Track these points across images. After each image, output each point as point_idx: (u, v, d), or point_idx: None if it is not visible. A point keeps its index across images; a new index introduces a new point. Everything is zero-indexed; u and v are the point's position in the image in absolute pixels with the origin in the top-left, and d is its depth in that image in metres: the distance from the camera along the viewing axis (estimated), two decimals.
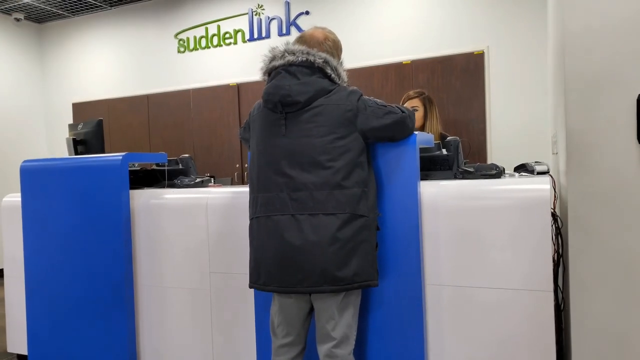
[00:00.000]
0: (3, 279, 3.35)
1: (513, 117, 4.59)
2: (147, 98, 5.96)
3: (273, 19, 5.65)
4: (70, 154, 3.37)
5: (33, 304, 3.02)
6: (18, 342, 3.25)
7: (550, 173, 2.36)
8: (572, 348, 2.01)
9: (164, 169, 3.14)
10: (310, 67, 1.86)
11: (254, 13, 5.75)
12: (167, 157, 3.11)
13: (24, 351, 3.20)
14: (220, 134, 5.53)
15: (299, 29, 5.48)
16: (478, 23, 4.73)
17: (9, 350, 3.32)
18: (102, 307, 2.78)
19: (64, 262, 2.89)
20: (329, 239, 1.77)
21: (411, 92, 3.44)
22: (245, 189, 2.54)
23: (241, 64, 5.83)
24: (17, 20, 6.60)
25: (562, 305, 2.35)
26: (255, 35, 5.76)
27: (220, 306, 2.60)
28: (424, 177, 2.22)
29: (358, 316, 1.96)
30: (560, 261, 2.26)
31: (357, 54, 4.97)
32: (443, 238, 2.10)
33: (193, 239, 2.65)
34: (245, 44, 5.83)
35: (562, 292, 2.35)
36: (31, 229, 3.01)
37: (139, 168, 3.19)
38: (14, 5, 6.33)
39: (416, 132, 2.06)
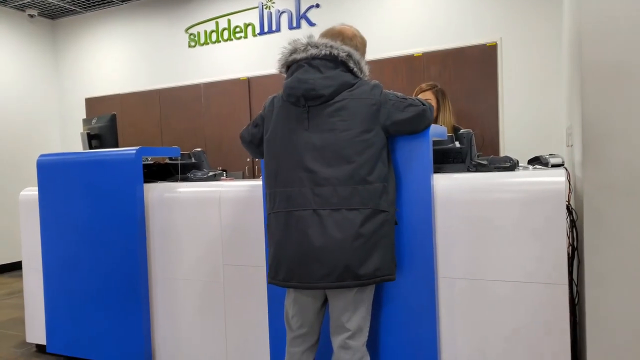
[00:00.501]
0: (22, 271, 3.40)
1: (526, 109, 4.55)
2: (159, 93, 5.99)
3: (283, 12, 5.64)
4: (84, 149, 3.41)
5: (51, 296, 3.07)
6: (36, 333, 3.31)
7: (565, 166, 2.34)
8: (587, 342, 2.00)
9: (177, 163, 3.16)
10: (334, 61, 1.85)
11: (264, 7, 5.74)
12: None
13: (42, 341, 3.26)
14: (231, 128, 5.54)
15: (309, 22, 5.47)
16: (491, 14, 4.68)
17: (28, 340, 3.38)
18: (117, 299, 2.82)
19: (81, 254, 2.93)
20: (353, 235, 1.76)
21: (423, 85, 3.43)
22: (258, 182, 2.55)
23: (252, 58, 5.83)
24: (31, 16, 6.65)
25: (576, 299, 2.34)
26: (266, 29, 5.75)
27: (234, 298, 2.62)
28: (437, 170, 2.21)
29: (371, 308, 1.97)
30: (575, 254, 2.24)
31: (369, 47, 4.92)
32: (456, 231, 2.09)
33: (206, 231, 2.67)
34: (255, 37, 5.83)
35: (576, 286, 2.33)
36: (48, 222, 3.06)
37: (152, 162, 3.21)
38: (28, 2, 6.38)
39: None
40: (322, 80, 1.82)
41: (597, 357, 1.98)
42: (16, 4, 6.42)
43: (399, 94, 1.92)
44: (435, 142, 2.22)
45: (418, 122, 1.94)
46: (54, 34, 7.17)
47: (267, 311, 2.41)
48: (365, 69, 1.92)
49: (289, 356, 1.98)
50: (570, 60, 2.77)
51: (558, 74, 4.40)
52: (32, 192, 3.31)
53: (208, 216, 2.66)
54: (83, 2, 6.46)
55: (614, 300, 1.94)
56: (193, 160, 3.26)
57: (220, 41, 6.02)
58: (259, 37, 5.82)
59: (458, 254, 2.09)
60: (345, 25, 2.08)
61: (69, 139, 7.06)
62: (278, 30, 5.68)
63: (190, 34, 6.18)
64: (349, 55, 1.86)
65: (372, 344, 2.12)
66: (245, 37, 5.88)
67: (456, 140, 2.34)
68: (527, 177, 2.05)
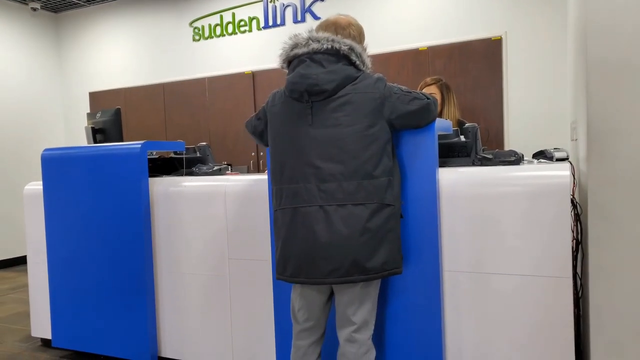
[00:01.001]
0: (27, 265, 3.41)
1: (531, 103, 4.54)
2: (163, 87, 5.99)
3: (288, 6, 5.62)
4: (89, 143, 3.42)
5: (56, 290, 3.09)
6: (42, 327, 3.32)
7: (570, 160, 2.34)
8: (591, 336, 2.01)
9: (182, 157, 3.16)
10: (336, 55, 1.83)
11: (269, 0, 5.73)
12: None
13: (47, 335, 3.28)
14: (235, 122, 5.54)
15: (314, 15, 5.45)
16: (496, 8, 4.66)
17: (33, 334, 3.40)
18: (123, 293, 2.84)
19: (86, 248, 2.94)
20: (359, 230, 1.76)
21: (428, 79, 3.42)
22: (263, 176, 2.56)
23: (256, 52, 5.82)
24: (34, 10, 6.65)
25: (580, 293, 2.34)
26: (270, 23, 5.74)
27: (239, 292, 2.63)
28: (442, 164, 2.21)
29: (377, 302, 1.97)
30: (579, 248, 2.24)
31: (373, 41, 4.90)
32: (461, 225, 2.10)
33: (212, 225, 2.68)
34: (260, 31, 5.82)
35: (580, 279, 2.34)
36: (53, 216, 3.07)
37: (157, 156, 3.22)
38: None
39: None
40: (325, 74, 1.81)
41: (601, 350, 1.99)
42: None
43: (404, 87, 1.91)
44: (440, 136, 2.22)
45: (423, 116, 1.94)
46: (57, 28, 7.17)
47: (272, 305, 2.42)
48: (368, 61, 1.90)
49: (295, 349, 1.99)
50: (576, 54, 2.76)
51: (563, 68, 4.39)
52: (36, 186, 3.32)
53: (213, 210, 2.67)
54: None
55: (617, 293, 1.94)
56: (198, 155, 3.26)
57: (224, 35, 6.01)
58: (263, 31, 5.81)
59: (463, 247, 2.10)
60: (341, 15, 2.05)
61: (73, 133, 7.07)
62: (283, 24, 5.67)
63: (195, 28, 6.17)
64: (351, 49, 1.84)
65: (378, 337, 2.13)
66: (250, 30, 5.87)
67: (461, 134, 2.33)
68: (532, 171, 2.05)
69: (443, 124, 2.22)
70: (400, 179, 1.95)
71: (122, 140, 3.28)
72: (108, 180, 2.85)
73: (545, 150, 2.52)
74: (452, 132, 2.33)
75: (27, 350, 3.33)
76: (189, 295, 2.79)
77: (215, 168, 2.97)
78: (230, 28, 5.97)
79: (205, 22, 6.10)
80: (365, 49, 1.94)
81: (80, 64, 7.03)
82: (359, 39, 2.02)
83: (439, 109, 3.28)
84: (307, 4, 5.51)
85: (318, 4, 5.45)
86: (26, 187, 3.39)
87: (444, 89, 3.33)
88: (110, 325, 2.90)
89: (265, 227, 2.49)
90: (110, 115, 3.36)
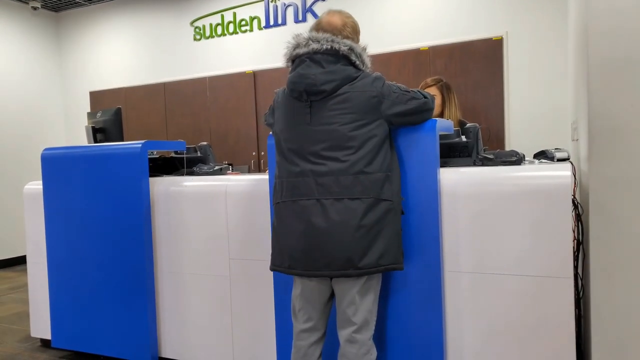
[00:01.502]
0: (26, 265, 3.41)
1: (532, 103, 4.53)
2: (164, 86, 5.99)
3: (289, 5, 5.62)
4: (89, 142, 3.41)
5: (55, 290, 3.08)
6: (41, 327, 3.32)
7: (571, 160, 2.33)
8: (592, 336, 2.00)
9: (183, 157, 3.16)
10: (335, 55, 1.85)
11: (270, 0, 5.72)
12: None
13: (47, 336, 3.27)
14: (236, 122, 5.54)
15: (315, 15, 5.45)
16: (497, 9, 4.66)
17: (33, 334, 3.39)
18: (123, 293, 2.83)
19: (86, 248, 2.94)
20: (354, 225, 1.78)
21: (429, 80, 3.41)
22: (264, 176, 2.55)
23: (257, 52, 5.82)
24: (34, 9, 6.64)
25: (581, 293, 2.34)
26: (272, 22, 5.74)
27: (240, 292, 2.63)
28: (444, 164, 2.21)
29: (378, 302, 1.97)
30: (580, 248, 2.24)
31: (375, 41, 4.92)
32: (463, 225, 2.09)
33: (213, 225, 2.67)
34: (261, 31, 5.82)
35: (581, 280, 2.33)
36: (53, 216, 3.06)
37: (157, 156, 3.22)
38: None
39: (436, 119, 2.05)
40: (323, 75, 1.84)
41: (602, 350, 1.98)
42: None
43: (402, 86, 1.94)
44: (441, 136, 2.22)
45: (420, 114, 1.97)
46: (58, 27, 7.17)
47: (273, 305, 2.42)
48: (367, 61, 1.92)
49: (295, 349, 1.99)
50: (577, 54, 2.75)
51: (564, 68, 4.38)
52: (36, 186, 3.31)
53: (214, 210, 2.66)
54: None
55: (618, 294, 1.94)
56: (199, 154, 3.26)
57: (225, 34, 6.01)
58: (264, 31, 5.80)
59: (464, 247, 2.10)
60: (334, 14, 2.01)
61: (74, 133, 7.07)
62: (284, 23, 5.66)
63: (196, 27, 6.17)
64: (351, 49, 1.86)
65: (379, 337, 2.12)
66: (251, 30, 5.87)
67: (462, 135, 2.33)
68: (533, 172, 2.05)
69: (444, 124, 2.22)
70: (399, 175, 1.95)
71: (122, 140, 3.28)
72: (108, 180, 2.84)
73: (547, 150, 2.52)
74: (453, 132, 2.33)
75: (27, 351, 3.33)
76: (189, 295, 2.78)
77: (216, 168, 2.97)
78: (231, 27, 5.97)
79: (206, 22, 6.10)
80: (365, 49, 1.94)
81: (80, 63, 7.03)
82: (356, 38, 2.01)
83: (439, 110, 3.28)
84: (308, 3, 5.51)
85: (319, 3, 5.44)
86: (26, 186, 3.38)
87: (445, 89, 3.32)
88: (110, 326, 2.89)
89: (266, 227, 2.48)
90: (111, 114, 3.36)
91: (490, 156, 2.24)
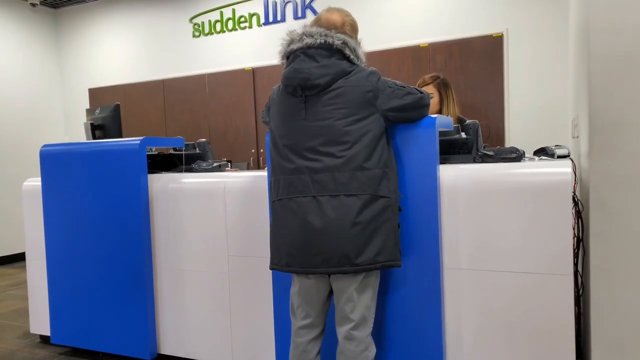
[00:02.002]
0: (25, 262, 3.40)
1: (532, 100, 4.52)
2: (163, 83, 5.98)
3: (288, 2, 5.60)
4: (88, 139, 3.40)
5: (55, 287, 3.08)
6: (40, 324, 3.32)
7: (571, 157, 2.33)
8: (592, 333, 2.00)
9: (182, 154, 3.15)
10: (329, 49, 1.85)
11: None
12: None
13: (46, 332, 3.27)
14: (235, 119, 5.53)
15: (314, 12, 5.43)
16: (497, 5, 4.65)
17: (32, 331, 3.39)
18: (122, 290, 2.83)
19: (84, 245, 2.93)
20: (350, 221, 1.78)
21: (426, 77, 3.37)
22: (263, 173, 2.55)
23: (256, 48, 5.80)
24: (33, 5, 6.62)
25: (581, 290, 2.34)
26: (271, 19, 5.72)
27: (239, 289, 2.62)
28: (443, 161, 2.20)
29: (376, 299, 1.97)
30: (580, 245, 2.24)
31: (374, 37, 4.92)
32: (462, 221, 2.09)
33: (211, 222, 2.67)
34: (260, 27, 5.80)
35: (581, 277, 2.33)
36: (51, 213, 3.06)
37: (156, 153, 3.21)
38: None
39: (435, 115, 2.04)
40: (317, 69, 1.83)
41: (602, 348, 1.98)
42: None
43: (398, 81, 1.93)
44: (441, 133, 2.21)
45: (416, 110, 1.97)
46: (57, 24, 7.14)
47: (272, 301, 2.41)
48: (362, 55, 1.92)
49: (294, 346, 1.98)
50: (577, 50, 2.74)
51: (564, 65, 4.37)
52: (35, 182, 3.31)
53: (213, 207, 2.66)
54: None
55: (618, 291, 1.94)
56: (197, 151, 3.25)
57: (224, 31, 5.99)
58: (263, 27, 5.79)
59: (463, 244, 2.09)
60: (334, 12, 2.01)
61: (72, 129, 7.05)
62: (283, 20, 5.65)
63: (195, 24, 6.15)
64: (345, 43, 1.86)
65: (377, 333, 2.12)
66: (250, 27, 5.85)
67: (462, 131, 2.33)
68: (533, 168, 2.04)
69: (444, 121, 2.22)
70: (397, 172, 1.95)
71: (121, 137, 3.27)
72: (107, 177, 2.83)
73: (547, 147, 2.51)
74: (453, 129, 2.32)
75: (26, 347, 3.33)
76: (188, 292, 2.78)
77: (215, 164, 2.96)
78: (230, 24, 5.95)
79: (205, 18, 6.08)
80: (359, 43, 1.93)
81: (79, 60, 7.01)
82: (354, 36, 2.00)
83: (437, 107, 3.25)
84: (307, 0, 5.49)
85: (318, 0, 5.43)
86: (25, 183, 3.38)
87: (442, 87, 3.25)
88: (110, 322, 2.89)
89: (265, 224, 2.47)
90: (110, 111, 3.35)
91: (490, 153, 2.23)
